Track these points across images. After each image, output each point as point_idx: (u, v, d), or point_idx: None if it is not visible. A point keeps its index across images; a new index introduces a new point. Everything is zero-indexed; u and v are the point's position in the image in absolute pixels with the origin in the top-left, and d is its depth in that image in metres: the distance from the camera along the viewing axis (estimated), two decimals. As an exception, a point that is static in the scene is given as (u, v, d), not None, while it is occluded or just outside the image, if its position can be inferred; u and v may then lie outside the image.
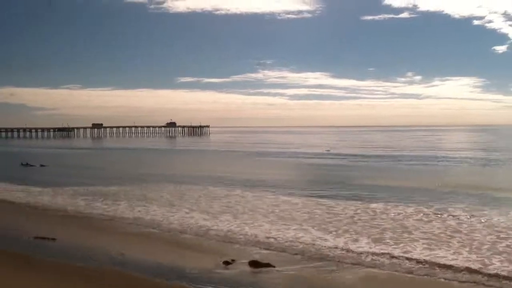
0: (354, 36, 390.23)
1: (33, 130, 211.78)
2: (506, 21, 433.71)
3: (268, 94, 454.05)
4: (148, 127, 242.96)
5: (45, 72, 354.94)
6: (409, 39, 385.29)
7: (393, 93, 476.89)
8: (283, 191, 32.93)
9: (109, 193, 32.49)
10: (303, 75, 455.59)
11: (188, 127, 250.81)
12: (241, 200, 29.15)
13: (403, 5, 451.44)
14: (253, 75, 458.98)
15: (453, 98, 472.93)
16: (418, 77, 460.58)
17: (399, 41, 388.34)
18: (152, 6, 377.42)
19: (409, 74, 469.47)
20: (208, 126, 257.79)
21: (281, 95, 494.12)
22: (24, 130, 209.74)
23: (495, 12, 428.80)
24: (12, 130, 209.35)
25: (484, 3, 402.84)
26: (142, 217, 24.05)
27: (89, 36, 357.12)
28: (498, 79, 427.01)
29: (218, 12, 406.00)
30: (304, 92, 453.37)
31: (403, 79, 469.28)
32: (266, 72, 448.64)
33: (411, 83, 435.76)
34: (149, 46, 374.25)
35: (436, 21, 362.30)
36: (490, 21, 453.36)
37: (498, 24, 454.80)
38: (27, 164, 57.69)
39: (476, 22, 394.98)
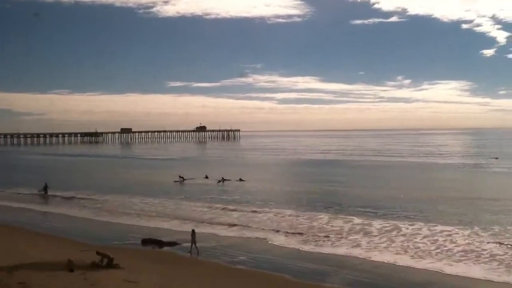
0: (344, 40, 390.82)
1: (60, 136, 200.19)
2: (494, 24, 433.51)
3: (257, 98, 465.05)
4: (178, 131, 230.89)
5: (33, 77, 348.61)
6: (399, 43, 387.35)
7: (382, 97, 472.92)
8: None
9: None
10: (292, 79, 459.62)
11: (218, 131, 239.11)
12: None
13: (392, 9, 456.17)
14: (243, 79, 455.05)
15: (442, 102, 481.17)
16: (407, 81, 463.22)
17: (389, 45, 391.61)
18: (141, 11, 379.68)
19: (399, 78, 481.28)
20: (238, 130, 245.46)
21: (270, 99, 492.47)
22: (51, 135, 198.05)
23: (484, 16, 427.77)
24: (32, 136, 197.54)
25: (473, 7, 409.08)
26: None
27: (77, 41, 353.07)
28: (486, 83, 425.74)
29: (208, 16, 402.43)
30: (294, 96, 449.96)
31: (392, 83, 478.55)
32: (255, 76, 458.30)
33: (400, 87, 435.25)
34: (138, 50, 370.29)
35: (425, 25, 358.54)
36: (478, 25, 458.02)
37: (487, 27, 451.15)
38: (223, 179, 47.70)
39: (464, 26, 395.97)
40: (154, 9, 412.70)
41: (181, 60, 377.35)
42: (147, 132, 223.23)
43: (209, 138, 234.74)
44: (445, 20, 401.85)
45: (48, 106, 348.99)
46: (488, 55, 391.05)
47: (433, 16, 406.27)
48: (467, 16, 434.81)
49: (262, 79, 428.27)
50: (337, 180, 48.27)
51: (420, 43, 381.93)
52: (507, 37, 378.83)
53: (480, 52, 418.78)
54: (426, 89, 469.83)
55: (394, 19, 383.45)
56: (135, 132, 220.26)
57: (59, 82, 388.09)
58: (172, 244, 21.28)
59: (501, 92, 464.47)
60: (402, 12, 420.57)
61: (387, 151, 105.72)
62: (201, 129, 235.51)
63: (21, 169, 67.87)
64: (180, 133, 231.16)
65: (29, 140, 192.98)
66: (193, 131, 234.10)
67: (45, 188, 40.43)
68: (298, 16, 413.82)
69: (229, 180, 47.33)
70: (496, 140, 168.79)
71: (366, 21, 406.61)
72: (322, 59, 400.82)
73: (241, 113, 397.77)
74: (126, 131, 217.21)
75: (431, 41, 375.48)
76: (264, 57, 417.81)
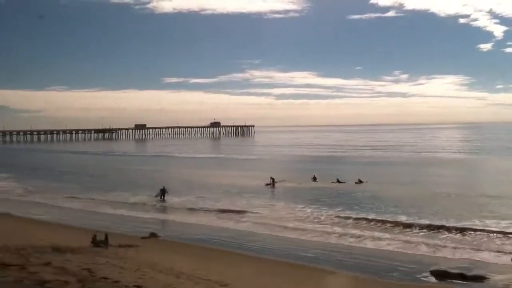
0: (341, 35, 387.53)
1: (73, 132, 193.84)
2: (491, 19, 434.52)
3: (254, 94, 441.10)
4: (192, 127, 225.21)
5: (30, 74, 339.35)
6: (396, 38, 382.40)
7: (379, 92, 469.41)
8: None
9: None
10: (290, 74, 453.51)
11: (233, 126, 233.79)
12: None
13: (389, 4, 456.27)
14: (240, 75, 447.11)
15: (439, 96, 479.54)
16: (404, 76, 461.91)
17: (386, 40, 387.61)
18: (137, 7, 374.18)
19: (396, 72, 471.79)
20: (252, 126, 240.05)
21: (268, 94, 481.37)
22: (64, 132, 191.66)
23: (481, 11, 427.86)
24: (45, 132, 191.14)
25: (470, 2, 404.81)
26: None
27: (74, 37, 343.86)
28: (483, 77, 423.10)
29: (204, 12, 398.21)
30: (291, 92, 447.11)
31: (389, 78, 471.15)
32: (253, 72, 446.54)
33: (397, 81, 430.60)
34: (135, 46, 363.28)
35: (422, 19, 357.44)
36: (475, 20, 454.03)
37: (483, 22, 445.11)
38: (337, 181, 42.25)
39: (461, 21, 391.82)
40: (150, 5, 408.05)
41: (177, 56, 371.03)
42: (161, 128, 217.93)
43: (223, 134, 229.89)
44: (442, 14, 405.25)
45: (45, 103, 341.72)
46: (485, 49, 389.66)
47: (430, 11, 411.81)
48: (464, 11, 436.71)
49: (259, 75, 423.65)
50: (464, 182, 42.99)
51: (417, 38, 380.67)
52: (504, 32, 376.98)
53: (477, 46, 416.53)
54: (423, 83, 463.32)
55: (391, 14, 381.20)
56: (149, 128, 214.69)
57: (56, 79, 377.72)
58: (478, 278, 15.83)
59: (498, 87, 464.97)
60: (399, 7, 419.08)
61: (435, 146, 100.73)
62: (215, 124, 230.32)
63: (73, 171, 61.75)
64: (194, 128, 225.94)
65: (42, 137, 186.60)
66: (207, 126, 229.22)
67: (163, 193, 34.89)
68: (295, 11, 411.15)
69: (343, 182, 41.81)
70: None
71: (363, 16, 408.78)
72: (319, 54, 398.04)
73: (239, 108, 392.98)
74: (140, 127, 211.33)
75: (428, 35, 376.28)
76: (261, 53, 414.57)
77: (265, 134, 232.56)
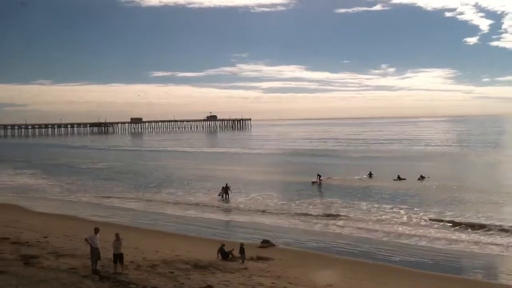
0: (328, 29, 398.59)
1: (68, 126, 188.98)
2: (477, 12, 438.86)
3: (242, 87, 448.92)
4: (188, 121, 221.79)
5: (15, 68, 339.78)
6: (383, 31, 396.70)
7: (367, 85, 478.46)
8: None
9: None
10: (278, 68, 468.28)
11: (229, 120, 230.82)
12: None
13: None
14: (228, 68, 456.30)
15: (426, 90, 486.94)
16: (391, 69, 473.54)
17: (373, 34, 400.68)
18: (124, 0, 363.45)
19: (383, 66, 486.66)
20: (249, 120, 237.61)
21: (256, 88, 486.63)
22: (59, 126, 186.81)
23: (467, 4, 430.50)
24: (40, 126, 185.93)
25: None
26: None
27: (60, 31, 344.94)
28: (469, 70, 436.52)
29: (191, 5, 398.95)
30: (279, 85, 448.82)
31: (377, 71, 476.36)
32: (240, 65, 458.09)
33: (384, 75, 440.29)
34: (122, 40, 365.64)
35: (409, 13, 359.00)
36: (461, 13, 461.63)
37: (470, 15, 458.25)
38: (398, 178, 39.76)
39: (448, 14, 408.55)
40: None
41: (165, 50, 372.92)
42: (158, 122, 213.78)
43: (219, 127, 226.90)
44: (429, 8, 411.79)
45: (31, 97, 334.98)
46: (471, 43, 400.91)
47: (416, 5, 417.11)
48: (450, 4, 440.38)
49: (247, 68, 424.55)
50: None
51: (404, 31, 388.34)
52: (490, 25, 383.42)
53: (464, 40, 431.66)
54: (410, 77, 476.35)
55: (378, 7, 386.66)
56: (145, 122, 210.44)
57: (42, 73, 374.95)
58: None
59: (484, 80, 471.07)
60: (386, 1, 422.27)
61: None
62: (212, 118, 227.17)
63: (95, 167, 58.73)
64: (191, 122, 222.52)
65: (36, 131, 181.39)
66: (204, 120, 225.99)
67: (226, 191, 32.32)
68: (282, 5, 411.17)
69: (405, 179, 39.57)
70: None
71: (350, 10, 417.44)
72: (307, 48, 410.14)
73: (226, 102, 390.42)
74: (136, 121, 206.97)
75: (415, 29, 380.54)
76: (249, 46, 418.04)
77: (258, 128, 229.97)
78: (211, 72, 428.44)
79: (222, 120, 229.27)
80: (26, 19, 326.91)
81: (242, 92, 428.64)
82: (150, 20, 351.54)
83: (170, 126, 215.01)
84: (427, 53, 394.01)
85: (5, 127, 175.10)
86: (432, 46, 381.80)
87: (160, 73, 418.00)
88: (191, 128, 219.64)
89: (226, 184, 33.06)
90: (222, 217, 27.46)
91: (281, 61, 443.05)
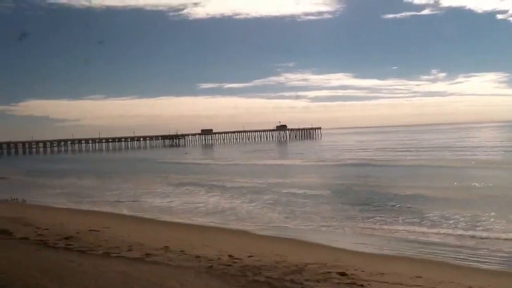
0: (376, 35, 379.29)
1: (141, 139, 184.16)
2: None
3: (289, 97, 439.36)
4: (258, 131, 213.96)
5: (68, 84, 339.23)
6: (432, 36, 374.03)
7: (416, 92, 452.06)
8: None
9: None
10: (325, 76, 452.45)
11: (298, 129, 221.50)
12: None
13: (424, 1, 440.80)
14: (275, 78, 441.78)
15: (478, 95, 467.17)
16: (442, 74, 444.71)
17: (422, 39, 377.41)
18: (171, 14, 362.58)
19: (433, 71, 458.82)
20: (319, 128, 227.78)
21: (303, 97, 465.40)
22: (132, 139, 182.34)
23: None
24: (113, 140, 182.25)
25: None
26: None
27: (110, 47, 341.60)
28: None
29: (237, 16, 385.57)
30: (326, 94, 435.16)
31: (426, 77, 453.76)
32: (287, 75, 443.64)
33: (435, 80, 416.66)
34: (170, 53, 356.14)
35: (459, 16, 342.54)
36: None
37: None
38: None
39: (499, 16, 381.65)
40: (184, 11, 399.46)
41: (212, 62, 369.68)
42: (227, 132, 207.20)
43: (289, 136, 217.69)
44: (479, 11, 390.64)
45: (83, 112, 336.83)
46: None
47: (466, 8, 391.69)
48: (502, 6, 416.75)
49: (294, 78, 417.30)
50: None
51: (454, 35, 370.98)
52: None
53: None
54: (461, 82, 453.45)
55: (426, 11, 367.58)
56: (215, 133, 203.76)
57: (94, 88, 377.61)
58: None
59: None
60: (435, 5, 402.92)
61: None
62: (282, 128, 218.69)
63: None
64: (261, 132, 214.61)
65: (110, 145, 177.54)
66: (274, 130, 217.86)
67: None
68: (329, 12, 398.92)
69: None
70: None
71: (398, 15, 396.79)
72: (354, 55, 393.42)
73: (273, 112, 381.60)
74: (207, 132, 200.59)
75: (466, 33, 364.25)
76: (295, 56, 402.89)
77: (326, 137, 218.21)
78: (257, 82, 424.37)
79: (292, 129, 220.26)
80: (75, 36, 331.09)
81: (289, 102, 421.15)
82: (197, 32, 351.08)
83: (240, 137, 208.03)
84: (479, 57, 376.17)
85: (79, 141, 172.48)
86: (484, 49, 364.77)
87: (208, 85, 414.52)
88: (260, 138, 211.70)
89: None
90: None
91: (328, 69, 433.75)
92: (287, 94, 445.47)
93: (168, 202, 34.37)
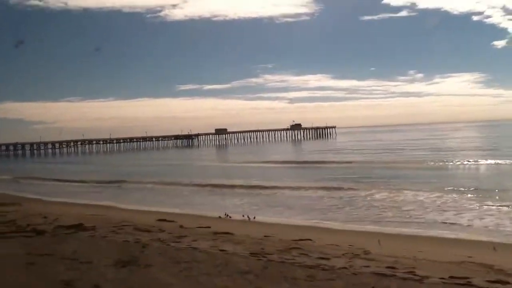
0: (354, 37, 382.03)
1: (154, 139, 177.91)
2: (505, 15, 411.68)
3: (268, 98, 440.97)
4: (272, 130, 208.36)
5: (44, 86, 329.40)
6: (409, 37, 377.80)
7: (393, 92, 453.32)
8: None
9: None
10: (304, 77, 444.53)
11: (314, 128, 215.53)
12: None
13: (401, 3, 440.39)
14: (254, 79, 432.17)
15: (454, 95, 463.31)
16: (419, 75, 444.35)
17: (399, 40, 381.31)
18: (149, 15, 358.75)
19: (411, 72, 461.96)
20: (334, 127, 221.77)
21: (281, 98, 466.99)
22: (144, 139, 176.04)
23: (494, 7, 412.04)
24: (125, 140, 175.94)
25: None
26: None
27: (87, 48, 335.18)
28: (498, 74, 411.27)
29: (216, 18, 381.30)
30: (305, 95, 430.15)
31: (404, 78, 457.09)
32: (266, 76, 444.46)
33: (412, 81, 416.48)
34: (148, 55, 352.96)
35: (436, 18, 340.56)
36: (489, 16, 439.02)
37: (497, 19, 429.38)
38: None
39: (475, 18, 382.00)
40: (162, 13, 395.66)
41: (191, 63, 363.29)
42: (241, 132, 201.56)
43: (303, 136, 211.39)
44: (455, 12, 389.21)
45: (59, 114, 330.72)
46: (499, 46, 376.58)
47: (443, 9, 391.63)
48: (478, 8, 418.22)
49: (273, 79, 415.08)
50: None
51: (431, 36, 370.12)
52: None
53: (492, 43, 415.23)
54: (438, 82, 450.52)
55: (403, 13, 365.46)
56: (229, 132, 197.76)
57: (70, 90, 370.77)
58: None
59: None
60: (412, 6, 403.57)
61: None
62: (296, 127, 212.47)
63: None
64: (275, 131, 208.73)
65: (122, 145, 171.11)
66: (288, 129, 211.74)
67: None
68: (307, 14, 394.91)
69: None
70: None
71: (375, 17, 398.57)
72: (333, 56, 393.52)
73: (252, 113, 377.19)
74: (221, 131, 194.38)
75: (442, 34, 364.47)
76: (274, 57, 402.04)
77: (339, 136, 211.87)
78: (236, 83, 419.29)
79: (306, 128, 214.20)
80: (52, 38, 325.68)
81: (267, 103, 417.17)
82: (175, 34, 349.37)
83: (255, 136, 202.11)
84: (455, 58, 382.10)
85: (90, 142, 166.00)
86: (460, 50, 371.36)
87: (187, 86, 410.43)
88: (274, 137, 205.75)
89: None
90: None
91: (307, 70, 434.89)
92: (265, 95, 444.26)
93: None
